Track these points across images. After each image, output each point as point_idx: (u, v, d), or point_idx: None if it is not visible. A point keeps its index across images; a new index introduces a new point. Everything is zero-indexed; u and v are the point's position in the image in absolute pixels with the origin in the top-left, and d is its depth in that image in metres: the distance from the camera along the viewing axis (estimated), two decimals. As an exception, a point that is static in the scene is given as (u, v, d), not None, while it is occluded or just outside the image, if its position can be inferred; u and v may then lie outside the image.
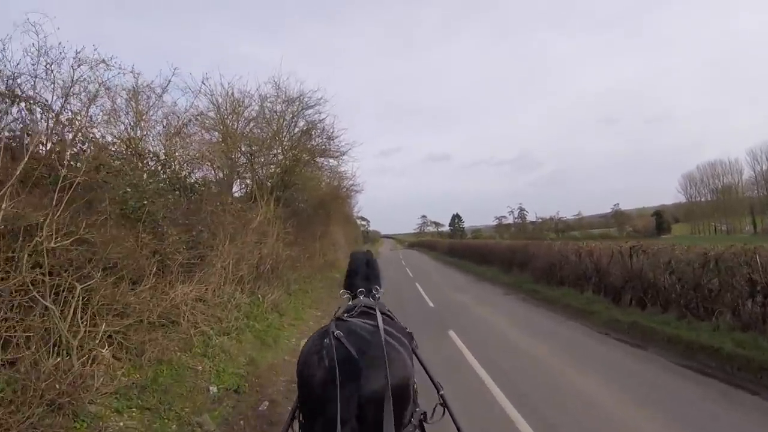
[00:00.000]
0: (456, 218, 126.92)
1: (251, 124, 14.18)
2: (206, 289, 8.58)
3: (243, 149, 13.72)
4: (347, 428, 2.05)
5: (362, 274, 3.34)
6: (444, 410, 2.69)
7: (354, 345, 2.27)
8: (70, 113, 7.05)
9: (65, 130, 6.73)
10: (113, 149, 8.72)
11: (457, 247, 36.88)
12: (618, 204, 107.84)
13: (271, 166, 13.85)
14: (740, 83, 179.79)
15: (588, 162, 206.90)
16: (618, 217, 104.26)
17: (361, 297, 3.07)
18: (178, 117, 10.72)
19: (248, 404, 6.02)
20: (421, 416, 2.57)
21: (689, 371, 6.87)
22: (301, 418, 2.48)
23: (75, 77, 7.36)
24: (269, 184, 13.67)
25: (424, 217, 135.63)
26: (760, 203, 76.76)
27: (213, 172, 13.77)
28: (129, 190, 6.31)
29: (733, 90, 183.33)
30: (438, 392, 2.77)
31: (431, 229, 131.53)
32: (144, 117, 10.09)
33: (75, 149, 6.74)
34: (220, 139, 13.62)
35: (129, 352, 5.46)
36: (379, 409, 2.11)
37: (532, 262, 16.70)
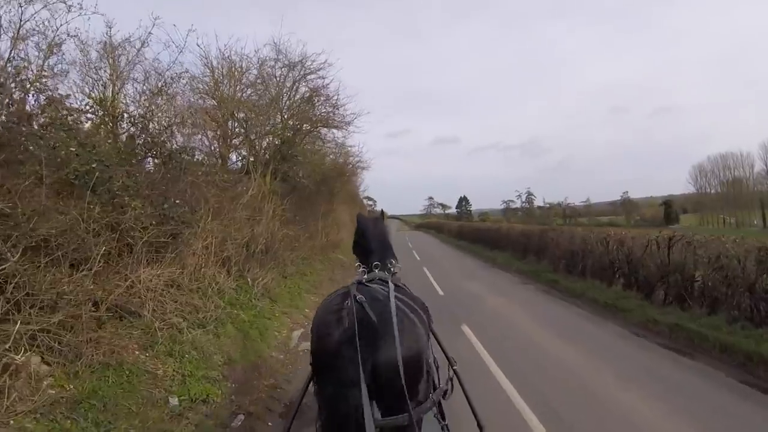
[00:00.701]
0: (463, 201, 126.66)
1: (249, 91, 12.83)
2: (181, 272, 7.41)
3: (238, 116, 12.38)
4: (357, 389, 2.04)
5: (376, 246, 3.21)
6: (452, 386, 2.70)
7: (374, 311, 2.28)
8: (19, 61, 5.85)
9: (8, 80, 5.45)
10: (84, 109, 7.55)
11: (467, 230, 35.46)
12: (627, 192, 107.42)
13: (269, 136, 12.51)
14: (751, 77, 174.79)
15: (596, 150, 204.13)
16: (626, 205, 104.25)
17: (376, 271, 2.97)
18: (161, 75, 9.38)
19: (218, 419, 4.84)
20: (441, 395, 2.59)
21: (752, 390, 5.63)
22: (315, 380, 2.45)
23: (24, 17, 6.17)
24: (266, 155, 12.36)
25: (431, 198, 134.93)
26: None
27: (207, 142, 12.52)
28: (74, 149, 5.02)
29: (743, 84, 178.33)
30: (451, 367, 2.81)
31: (438, 211, 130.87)
32: (120, 74, 8.85)
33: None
34: (215, 106, 12.34)
35: (63, 356, 4.27)
36: (392, 377, 2.11)
37: (550, 249, 15.39)
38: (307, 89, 12.84)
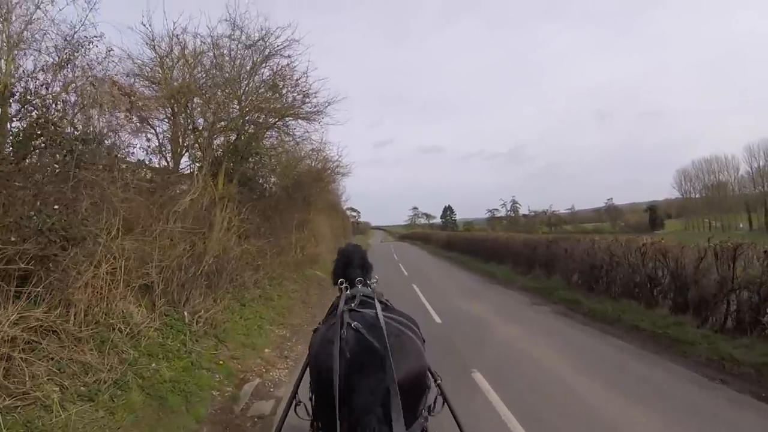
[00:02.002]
0: (448, 210, 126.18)
1: (203, 78, 10.42)
2: (65, 313, 5.01)
3: (188, 107, 9.98)
4: (373, 416, 2.06)
5: (357, 263, 3.32)
6: (443, 402, 2.74)
7: (373, 336, 2.30)
8: None
9: None
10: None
11: (457, 241, 33.03)
12: (612, 198, 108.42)
13: (222, 130, 10.09)
14: (737, 83, 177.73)
15: (581, 156, 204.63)
16: (611, 212, 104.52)
17: (359, 286, 3.04)
18: (68, 41, 6.95)
19: None
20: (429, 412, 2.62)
21: None
22: (312, 418, 2.57)
23: None
24: (219, 152, 9.95)
25: (415, 208, 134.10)
26: (755, 200, 75.98)
27: (157, 140, 10.07)
28: None
29: (728, 89, 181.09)
30: (435, 382, 2.81)
31: (422, 221, 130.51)
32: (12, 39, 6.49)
33: None
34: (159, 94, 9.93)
35: None
36: (402, 396, 2.10)
37: (562, 261, 13.16)
38: (270, 73, 10.47)
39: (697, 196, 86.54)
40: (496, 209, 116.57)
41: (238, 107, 10.36)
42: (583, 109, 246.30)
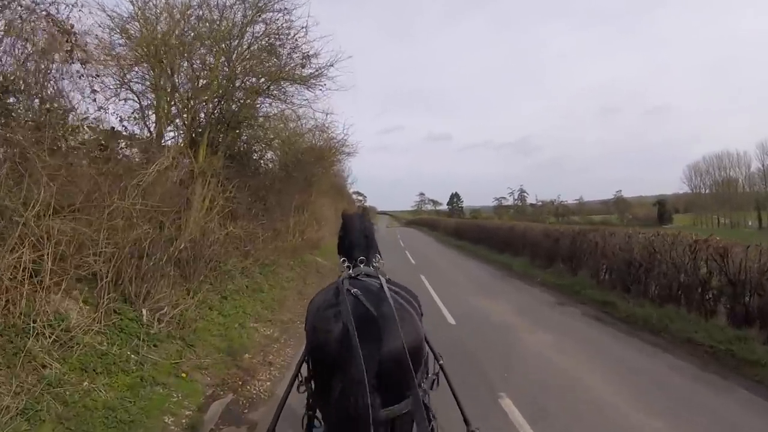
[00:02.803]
0: (455, 197, 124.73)
1: (188, 32, 8.95)
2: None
3: (163, 60, 8.51)
4: (365, 386, 1.97)
5: (360, 242, 3.07)
6: (437, 381, 2.73)
7: (372, 303, 2.26)
8: None
9: None
10: None
11: (467, 228, 30.63)
12: (621, 191, 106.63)
13: (203, 83, 8.62)
14: (745, 79, 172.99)
15: (589, 149, 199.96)
16: (619, 204, 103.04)
17: (362, 266, 2.84)
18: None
19: None
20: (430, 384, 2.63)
21: None
22: (311, 383, 2.51)
23: None
24: (200, 118, 8.51)
25: (422, 194, 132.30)
26: (766, 198, 73.65)
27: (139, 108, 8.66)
28: None
29: (737, 85, 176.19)
30: (437, 362, 2.81)
31: (429, 207, 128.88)
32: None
33: None
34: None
35: None
36: (396, 368, 2.10)
37: (590, 256, 11.71)
38: (264, 29, 8.93)
39: (707, 191, 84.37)
40: (504, 198, 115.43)
41: (227, 68, 8.89)
42: (590, 105, 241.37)
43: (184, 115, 7.99)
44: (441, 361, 2.82)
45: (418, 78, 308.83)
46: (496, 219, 71.09)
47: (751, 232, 61.14)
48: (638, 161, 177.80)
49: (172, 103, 8.88)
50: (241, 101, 9.00)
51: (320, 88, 9.25)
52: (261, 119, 9.48)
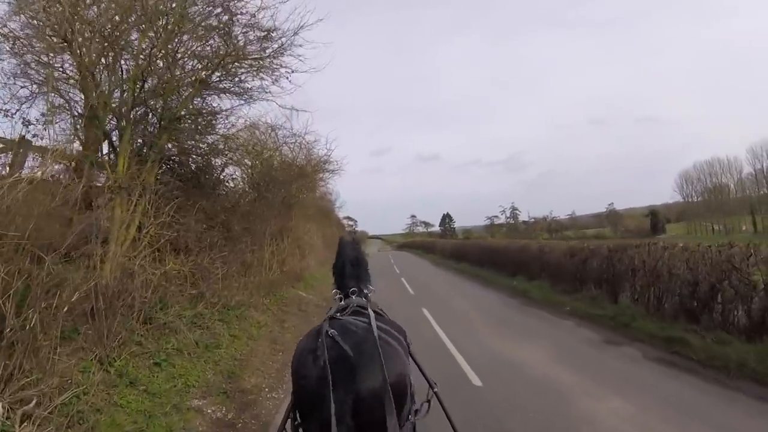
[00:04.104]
0: (447, 218, 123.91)
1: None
2: None
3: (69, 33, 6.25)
4: (343, 427, 2.02)
5: (352, 272, 3.12)
6: (429, 406, 2.65)
7: (349, 343, 2.25)
8: None
9: None
10: None
11: (469, 250, 28.04)
12: (613, 204, 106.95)
13: (111, 55, 6.35)
14: (738, 87, 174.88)
15: (580, 163, 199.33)
16: (612, 217, 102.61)
17: (353, 297, 2.93)
18: None
19: None
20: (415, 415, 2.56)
21: None
22: (297, 418, 2.47)
23: None
24: (114, 106, 6.22)
25: (413, 217, 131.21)
26: (759, 202, 74.32)
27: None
28: None
29: (728, 93, 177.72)
30: (431, 389, 2.76)
31: (421, 229, 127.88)
32: None
33: None
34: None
35: None
36: (376, 406, 2.08)
37: (633, 278, 9.49)
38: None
39: (699, 199, 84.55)
40: (496, 216, 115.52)
41: (156, 47, 6.63)
42: (580, 117, 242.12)
43: (93, 105, 5.69)
44: (435, 389, 2.76)
45: (407, 97, 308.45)
46: (489, 238, 69.85)
47: (748, 237, 59.88)
48: (629, 172, 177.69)
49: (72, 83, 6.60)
50: (178, 89, 6.73)
51: (284, 73, 7.05)
52: (209, 118, 7.22)
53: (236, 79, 6.98)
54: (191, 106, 6.91)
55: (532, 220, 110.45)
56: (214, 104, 7.44)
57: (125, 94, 6.03)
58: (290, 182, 13.75)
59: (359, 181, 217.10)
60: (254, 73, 6.99)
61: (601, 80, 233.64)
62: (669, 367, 6.49)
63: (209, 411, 5.38)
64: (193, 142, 7.73)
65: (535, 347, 7.72)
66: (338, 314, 2.58)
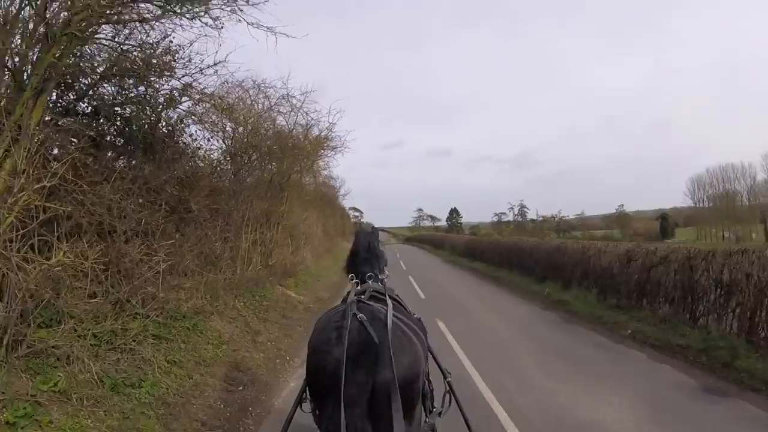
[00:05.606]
0: (454, 213, 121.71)
1: None
2: None
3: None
4: (357, 410, 2.00)
5: (367, 258, 3.20)
6: (451, 399, 2.70)
7: (376, 331, 2.21)
8: None
9: None
10: None
11: (485, 247, 24.82)
12: (623, 205, 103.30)
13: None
14: (752, 90, 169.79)
15: (591, 162, 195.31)
16: (621, 219, 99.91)
17: (370, 282, 2.95)
18: None
19: None
20: (438, 415, 2.60)
21: None
22: (311, 399, 2.42)
23: None
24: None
25: (420, 210, 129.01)
26: None
27: None
28: None
29: (745, 96, 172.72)
30: (444, 379, 2.80)
31: (427, 223, 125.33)
32: None
33: None
34: None
35: None
36: (390, 397, 2.01)
37: (728, 295, 7.00)
38: None
39: (710, 204, 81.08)
40: (504, 213, 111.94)
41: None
42: (592, 117, 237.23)
43: None
44: (449, 378, 2.79)
45: (419, 90, 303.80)
46: (495, 235, 67.54)
47: (759, 245, 57.59)
48: (639, 175, 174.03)
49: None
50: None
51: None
52: (153, 43, 4.81)
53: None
54: (113, 15, 4.49)
55: (541, 218, 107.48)
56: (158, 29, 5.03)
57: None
58: (282, 157, 11.34)
59: (365, 173, 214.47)
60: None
61: (616, 81, 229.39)
62: None
63: None
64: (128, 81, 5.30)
65: (611, 396, 5.28)
66: (362, 298, 2.55)
